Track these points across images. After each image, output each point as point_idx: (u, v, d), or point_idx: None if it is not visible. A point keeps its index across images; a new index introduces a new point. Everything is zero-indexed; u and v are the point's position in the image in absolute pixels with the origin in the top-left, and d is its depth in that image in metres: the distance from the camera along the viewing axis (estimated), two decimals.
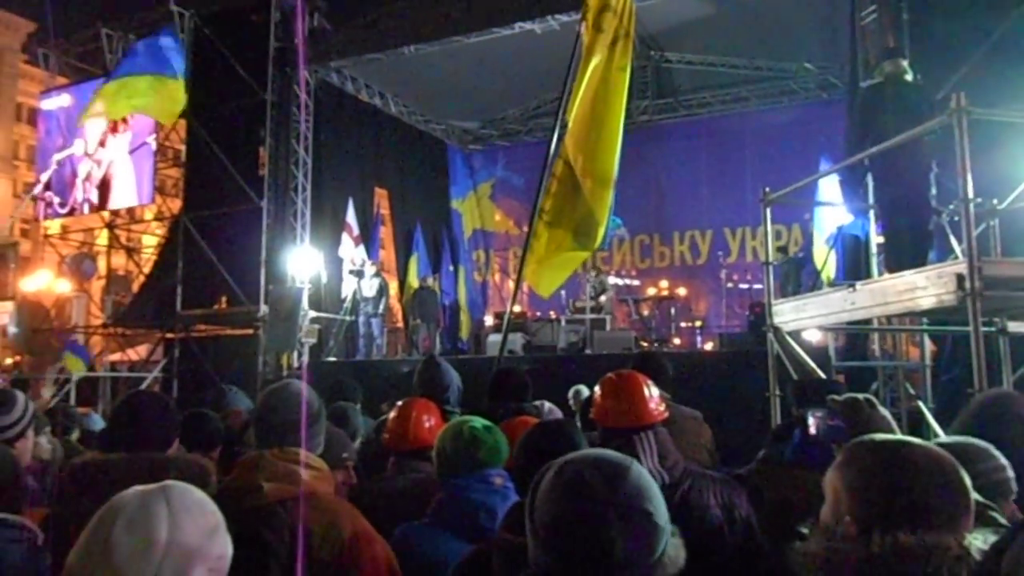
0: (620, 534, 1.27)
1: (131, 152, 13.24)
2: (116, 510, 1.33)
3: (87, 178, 13.51)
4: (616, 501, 1.29)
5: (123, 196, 13.43)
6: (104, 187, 13.39)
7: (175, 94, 11.80)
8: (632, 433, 2.36)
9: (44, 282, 22.44)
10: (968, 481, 1.37)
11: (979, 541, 1.30)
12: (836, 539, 1.34)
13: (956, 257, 4.98)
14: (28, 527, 1.94)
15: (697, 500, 2.29)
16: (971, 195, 4.04)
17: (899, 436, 1.58)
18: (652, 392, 2.49)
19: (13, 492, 2.14)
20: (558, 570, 1.31)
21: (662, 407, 2.49)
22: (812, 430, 2.44)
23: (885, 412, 2.46)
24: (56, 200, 13.89)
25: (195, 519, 1.36)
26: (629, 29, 6.06)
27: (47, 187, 14.08)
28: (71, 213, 13.96)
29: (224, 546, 1.40)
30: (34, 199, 14.39)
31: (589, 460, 1.38)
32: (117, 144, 13.38)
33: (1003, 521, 1.67)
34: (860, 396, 2.49)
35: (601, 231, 6.05)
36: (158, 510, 1.33)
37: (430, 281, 13.95)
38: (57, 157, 14.03)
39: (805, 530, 1.42)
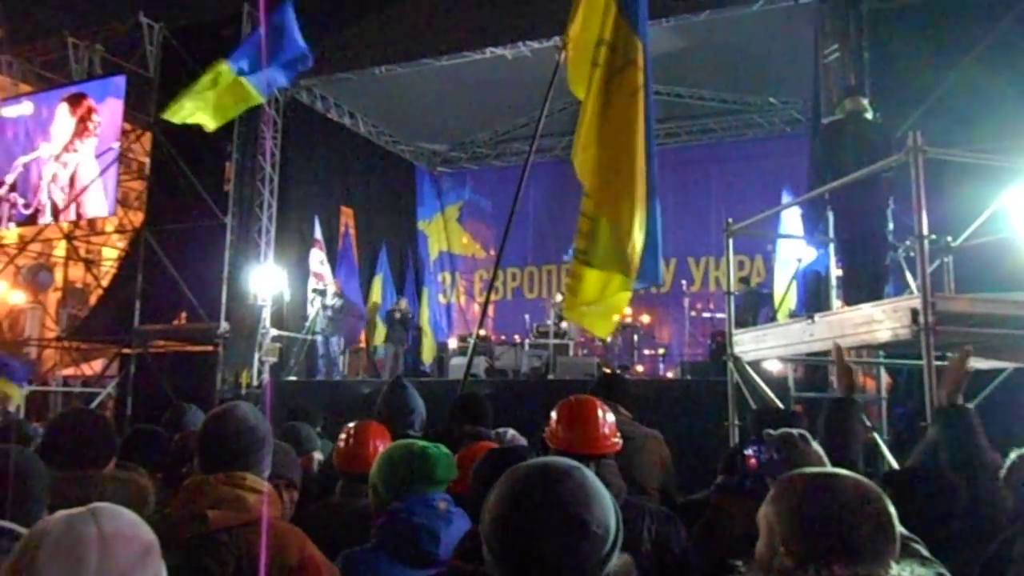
0: (552, 540, 1.25)
1: (97, 156, 13.05)
2: (41, 535, 1.27)
3: (53, 179, 13.30)
4: (550, 506, 1.27)
5: (87, 205, 13.19)
6: (69, 191, 13.17)
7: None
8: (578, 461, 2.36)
9: None
10: (893, 511, 1.40)
11: (907, 573, 1.33)
12: (772, 573, 1.35)
13: (911, 292, 5.08)
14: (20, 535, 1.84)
15: (628, 534, 2.29)
16: (926, 232, 4.13)
17: (829, 469, 1.61)
18: (607, 420, 2.49)
19: (13, 500, 2.01)
20: None
21: (615, 438, 2.49)
22: (750, 463, 2.47)
23: (817, 447, 2.49)
24: (20, 201, 13.65)
25: (127, 542, 1.30)
26: (634, 58, 5.93)
27: (12, 188, 13.82)
28: (35, 216, 13.68)
29: (158, 569, 1.35)
30: None
31: (534, 466, 1.36)
32: (85, 148, 13.17)
33: (926, 554, 1.70)
34: (795, 431, 2.54)
35: (636, 258, 5.67)
36: (87, 534, 1.27)
37: (403, 304, 13.88)
38: (23, 160, 13.80)
39: (739, 563, 1.43)
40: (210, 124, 8.80)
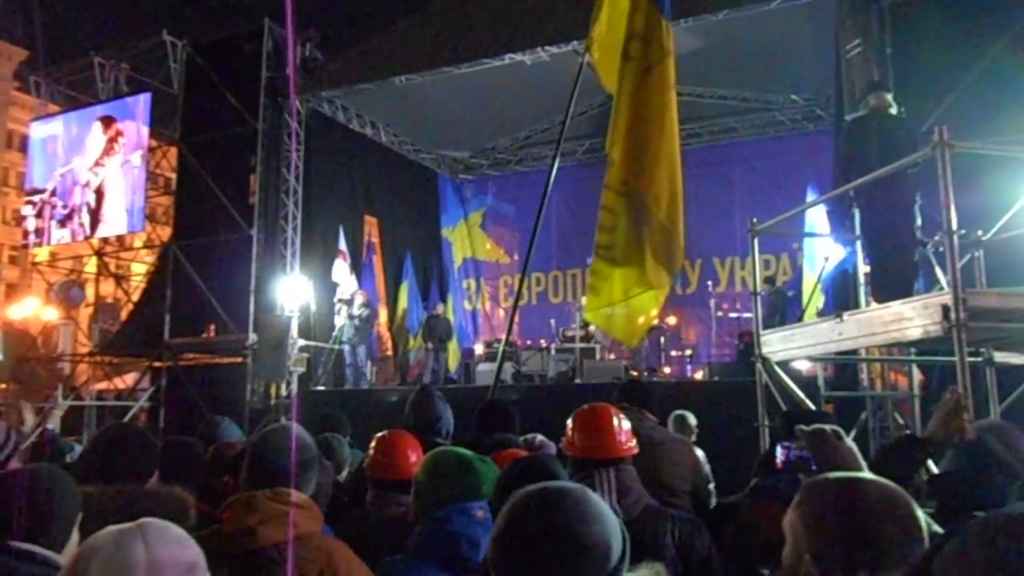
0: (548, 559, 1.24)
1: (120, 166, 13.50)
2: (91, 551, 1.30)
3: (87, 184, 13.98)
4: (546, 525, 1.26)
5: (115, 223, 13.59)
6: (99, 200, 13.73)
7: None
8: (595, 467, 2.36)
9: (31, 310, 22.34)
10: (921, 516, 1.38)
11: None
12: None
13: (941, 288, 5.01)
14: (54, 563, 1.83)
15: (651, 540, 2.28)
16: (955, 226, 4.08)
17: (855, 473, 1.59)
18: (622, 426, 2.50)
19: (38, 521, 1.93)
20: None
21: (631, 442, 2.49)
22: (780, 461, 2.44)
23: (851, 444, 2.45)
24: (59, 203, 14.26)
25: (174, 557, 1.33)
26: (669, 50, 5.87)
27: (52, 193, 14.39)
28: (71, 215, 14.06)
29: None
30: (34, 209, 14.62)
31: (533, 489, 1.35)
32: (112, 163, 13.73)
33: None
34: (827, 428, 2.49)
35: (680, 255, 5.62)
36: (135, 550, 1.30)
37: (440, 309, 13.95)
38: (60, 170, 14.40)
39: (766, 572, 1.43)
40: None
